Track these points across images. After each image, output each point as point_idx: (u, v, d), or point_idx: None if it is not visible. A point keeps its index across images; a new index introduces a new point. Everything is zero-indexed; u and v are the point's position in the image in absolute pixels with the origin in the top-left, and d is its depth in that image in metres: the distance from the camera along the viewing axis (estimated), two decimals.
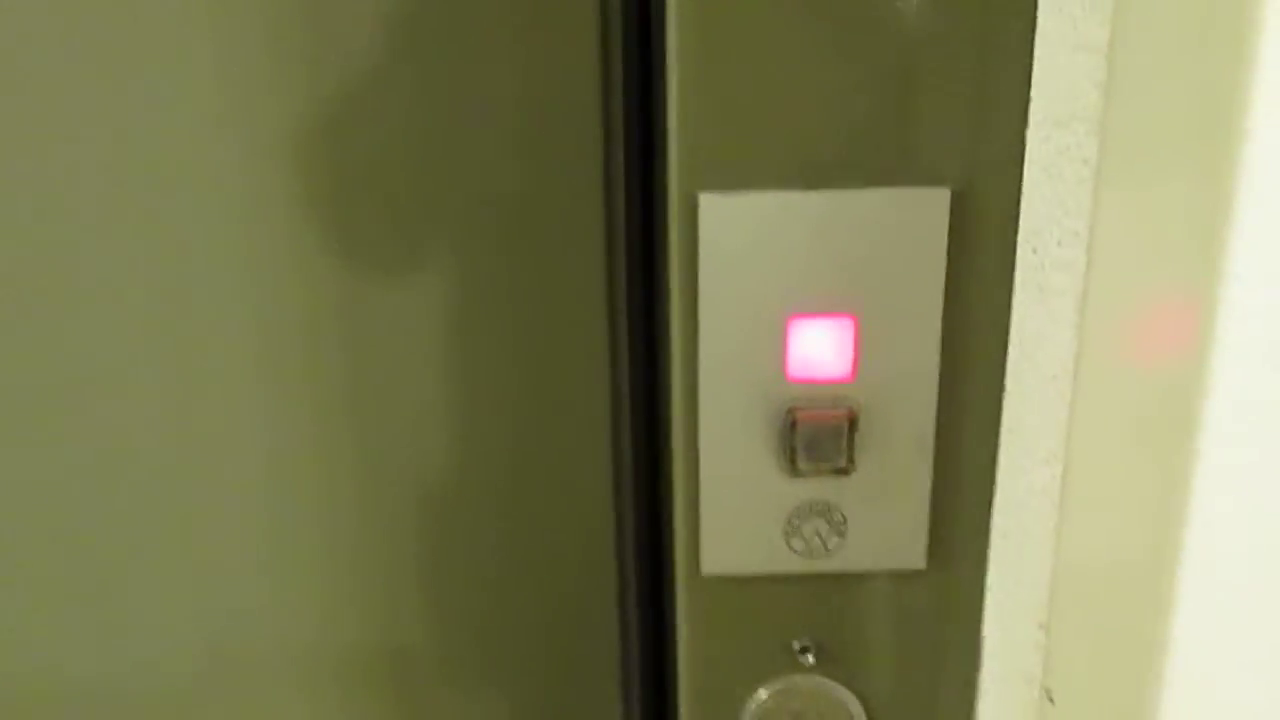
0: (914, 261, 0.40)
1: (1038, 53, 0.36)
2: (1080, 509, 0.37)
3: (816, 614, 0.45)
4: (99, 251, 0.44)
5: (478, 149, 0.43)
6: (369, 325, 0.46)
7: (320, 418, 0.47)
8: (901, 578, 0.44)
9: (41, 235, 0.44)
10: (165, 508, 0.48)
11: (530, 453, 0.48)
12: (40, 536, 0.48)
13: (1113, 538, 0.35)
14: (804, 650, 0.45)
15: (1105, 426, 0.36)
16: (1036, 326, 0.39)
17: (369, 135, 0.43)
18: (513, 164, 0.44)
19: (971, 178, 0.40)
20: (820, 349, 0.41)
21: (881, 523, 0.43)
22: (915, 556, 0.44)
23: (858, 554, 0.44)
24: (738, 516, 0.43)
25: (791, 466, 0.42)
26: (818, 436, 0.42)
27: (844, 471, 0.42)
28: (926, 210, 0.40)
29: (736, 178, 0.40)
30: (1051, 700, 0.39)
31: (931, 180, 0.40)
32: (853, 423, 0.42)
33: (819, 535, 0.43)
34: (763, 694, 0.46)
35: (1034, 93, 0.37)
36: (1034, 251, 0.39)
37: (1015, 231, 0.39)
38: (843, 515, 0.43)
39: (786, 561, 0.44)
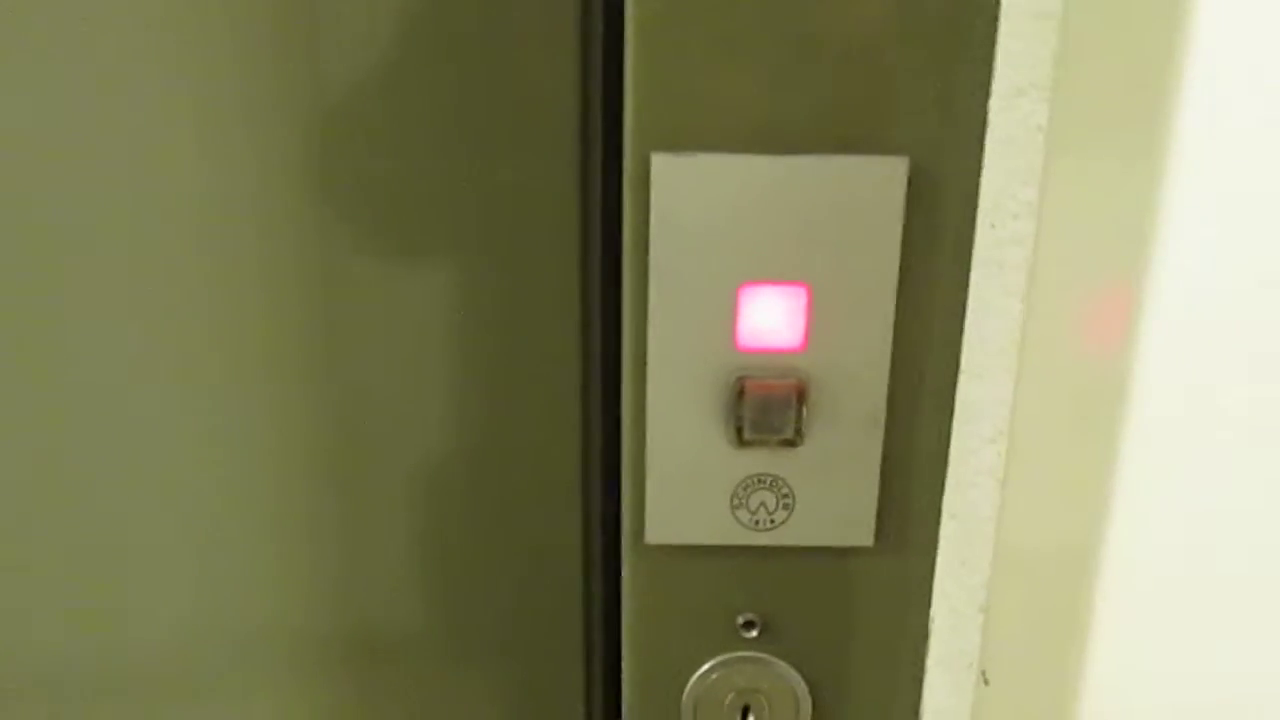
0: (870, 231, 0.40)
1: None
2: (1021, 490, 0.36)
3: (762, 589, 0.44)
4: (100, 244, 0.44)
5: (457, 128, 0.43)
6: (346, 307, 0.45)
7: (295, 400, 0.46)
8: (848, 555, 0.43)
9: (56, 225, 0.44)
10: (161, 495, 0.48)
11: (503, 429, 0.47)
12: (41, 519, 0.48)
13: (1049, 520, 0.35)
14: (748, 625, 0.44)
15: (1047, 406, 0.35)
16: (989, 300, 0.38)
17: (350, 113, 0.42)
18: (489, 139, 0.43)
19: (931, 147, 0.39)
20: (771, 318, 0.40)
21: (829, 498, 0.42)
22: (863, 533, 0.43)
23: (804, 529, 0.43)
24: (684, 486, 0.42)
25: (739, 437, 0.41)
26: (766, 407, 0.41)
27: (792, 444, 0.41)
28: (884, 179, 0.39)
29: (691, 139, 0.39)
30: (986, 682, 0.39)
31: (890, 148, 0.39)
32: (802, 394, 0.41)
33: (765, 508, 0.43)
34: (707, 667, 0.45)
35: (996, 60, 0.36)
36: (991, 226, 0.38)
37: (975, 203, 0.38)
38: (790, 489, 0.42)
39: (732, 533, 0.43)
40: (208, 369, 0.46)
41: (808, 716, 0.46)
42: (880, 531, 0.43)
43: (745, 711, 0.46)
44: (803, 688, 0.46)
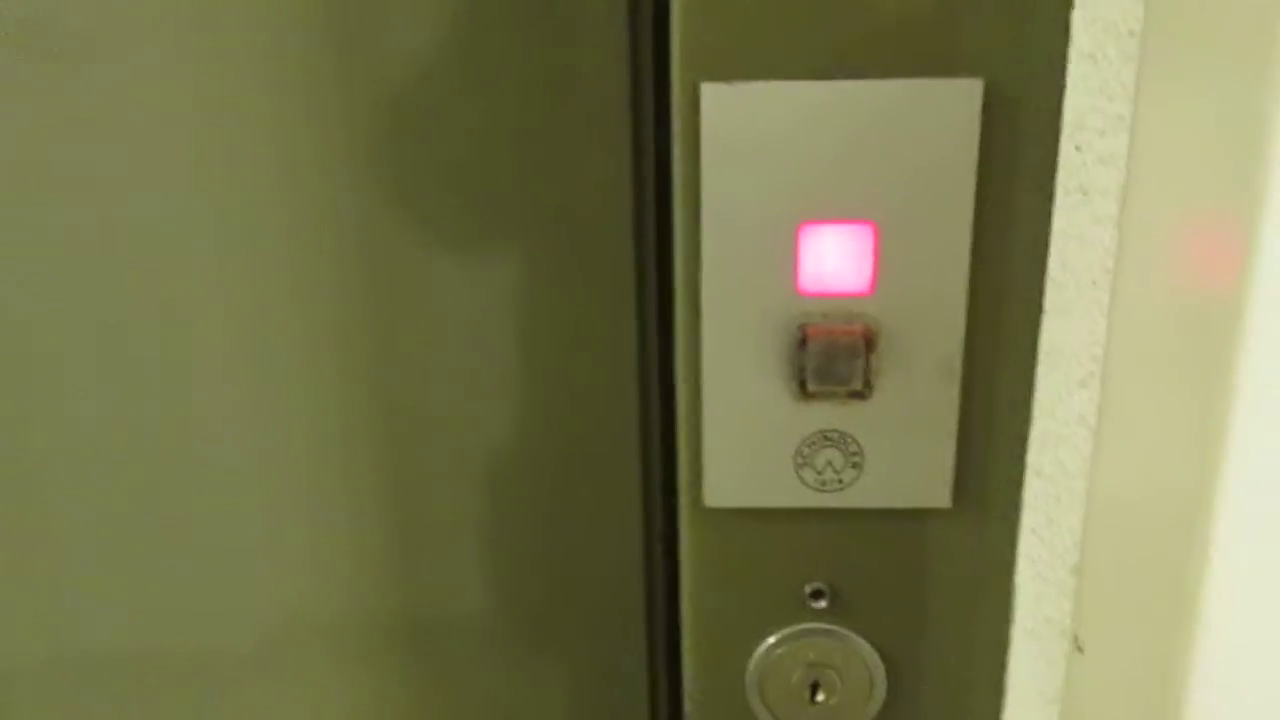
0: (942, 162, 0.36)
1: None
2: (1116, 439, 0.33)
3: (830, 555, 0.41)
4: (168, 240, 0.43)
5: (506, 89, 0.41)
6: (398, 283, 0.43)
7: (350, 383, 0.45)
8: (924, 517, 0.40)
9: (108, 214, 0.43)
10: (219, 483, 0.47)
11: (557, 401, 0.45)
12: (98, 506, 0.47)
13: (1148, 471, 0.31)
14: (816, 595, 0.42)
15: (1144, 345, 0.32)
16: (1079, 231, 0.34)
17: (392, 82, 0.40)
18: (539, 94, 0.41)
19: (1008, 67, 0.35)
20: (835, 259, 0.37)
21: (902, 455, 0.39)
22: (939, 494, 0.40)
23: (875, 490, 0.40)
24: (743, 444, 0.40)
25: (801, 389, 0.38)
26: (831, 356, 0.38)
27: (860, 396, 0.38)
28: (957, 103, 0.36)
29: (744, 66, 0.36)
30: (1080, 649, 0.35)
31: (963, 70, 0.35)
32: (870, 342, 0.38)
33: (832, 467, 0.40)
34: (772, 640, 0.42)
35: None
36: (1077, 149, 0.35)
37: (1058, 125, 0.35)
38: (859, 446, 0.39)
39: (797, 495, 0.40)
40: (271, 358, 0.45)
41: (882, 693, 0.43)
42: (958, 491, 0.40)
43: (815, 688, 0.43)
44: (876, 662, 0.42)
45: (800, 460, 0.40)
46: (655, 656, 0.49)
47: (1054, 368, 0.37)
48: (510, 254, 0.42)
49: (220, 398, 0.45)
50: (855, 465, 0.39)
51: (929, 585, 0.41)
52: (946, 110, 0.36)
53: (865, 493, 0.40)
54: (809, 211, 0.37)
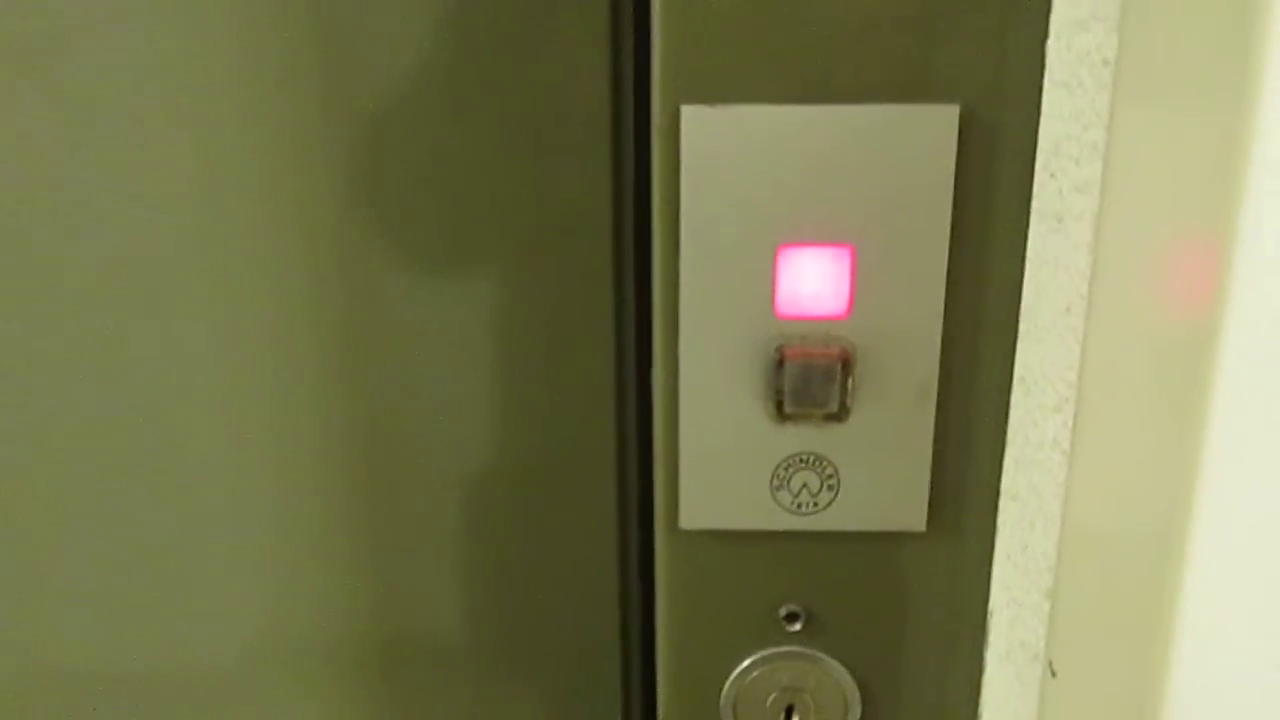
0: (919, 186, 0.37)
1: None
2: (1090, 463, 0.33)
3: (806, 578, 0.41)
4: (137, 255, 0.43)
5: (486, 106, 0.41)
6: (379, 303, 0.43)
7: (330, 405, 0.45)
8: (899, 540, 0.40)
9: (85, 228, 0.42)
10: (199, 505, 0.46)
11: (536, 423, 0.45)
12: (66, 521, 0.47)
13: (1123, 496, 0.31)
14: (791, 617, 0.41)
15: (1119, 371, 0.32)
16: (1053, 256, 0.35)
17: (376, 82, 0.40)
18: (519, 113, 0.41)
19: (984, 93, 0.36)
20: (813, 281, 0.38)
21: (878, 478, 0.39)
22: (914, 517, 0.40)
23: (851, 512, 0.40)
24: (720, 466, 0.40)
25: (779, 411, 0.38)
26: (808, 378, 0.38)
27: (836, 418, 0.38)
28: (933, 129, 0.36)
29: (724, 89, 0.36)
30: (1054, 674, 0.35)
31: (939, 96, 0.36)
32: (846, 364, 0.38)
33: (808, 489, 0.40)
34: (746, 663, 0.42)
35: None
36: (1052, 176, 0.35)
37: (1033, 154, 0.35)
38: (835, 468, 0.39)
39: (772, 518, 0.40)
40: (250, 378, 0.44)
41: (856, 717, 0.43)
42: (934, 514, 0.40)
43: (789, 712, 0.43)
44: (851, 686, 0.42)
45: (777, 482, 0.40)
46: (630, 679, 0.49)
47: (1028, 393, 0.37)
48: (489, 273, 0.42)
49: (192, 412, 0.45)
50: (831, 488, 0.39)
51: (904, 608, 0.41)
52: (923, 136, 0.36)
53: (841, 515, 0.40)
54: (787, 234, 0.37)
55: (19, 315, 0.44)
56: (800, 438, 0.39)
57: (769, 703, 0.43)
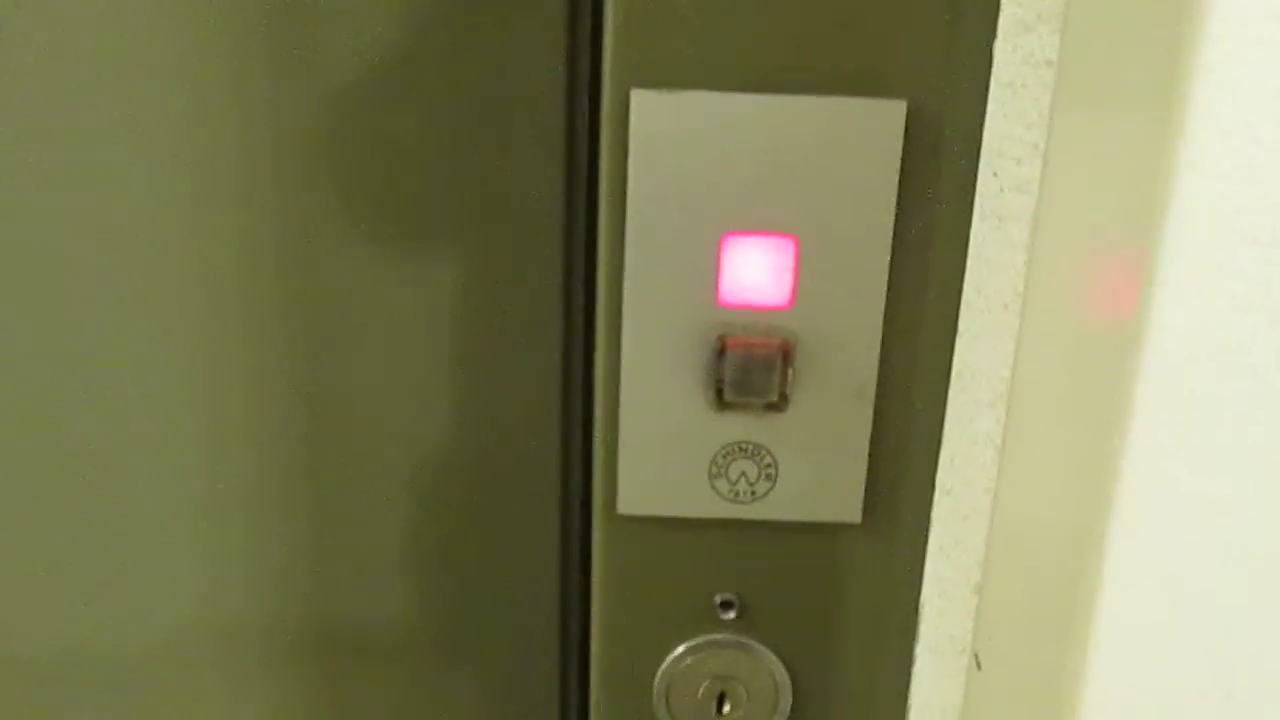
0: (864, 180, 0.37)
1: None
2: (1019, 460, 0.34)
3: (741, 566, 0.41)
4: (90, 240, 0.42)
5: (438, 86, 0.40)
6: (322, 292, 0.42)
7: (273, 393, 0.44)
8: (834, 531, 0.41)
9: (40, 222, 0.42)
10: (140, 489, 0.45)
11: (480, 408, 0.45)
12: (19, 516, 0.46)
13: (1047, 493, 0.32)
14: (725, 605, 0.42)
15: (1048, 369, 0.32)
16: (992, 254, 0.35)
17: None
18: (472, 95, 0.41)
19: (931, 90, 0.36)
20: (756, 271, 0.38)
21: (815, 469, 0.40)
22: (850, 509, 0.40)
23: (788, 502, 0.40)
24: (659, 451, 0.40)
25: (718, 399, 0.39)
26: (748, 367, 0.38)
27: (776, 408, 0.39)
28: (880, 123, 0.36)
29: (675, 75, 0.36)
30: (979, 666, 0.36)
31: (887, 91, 0.36)
32: (787, 355, 0.38)
33: (746, 478, 0.40)
34: (680, 650, 0.42)
35: None
36: (994, 175, 0.35)
37: (977, 151, 0.36)
38: (773, 458, 0.40)
39: (710, 505, 0.40)
40: (184, 359, 0.43)
41: (787, 706, 0.43)
42: (869, 507, 0.40)
43: (720, 700, 0.43)
44: (783, 675, 0.43)
45: (715, 470, 0.40)
46: (568, 666, 0.49)
47: (965, 388, 0.38)
48: (436, 255, 0.42)
49: (122, 390, 0.44)
50: (769, 477, 0.40)
51: (837, 599, 0.41)
52: (870, 130, 0.36)
53: (777, 505, 0.40)
54: (733, 222, 0.37)
55: None
56: (739, 426, 0.39)
57: (701, 691, 0.43)
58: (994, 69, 0.35)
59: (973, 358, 0.37)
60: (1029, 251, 0.33)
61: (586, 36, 0.41)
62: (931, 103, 0.36)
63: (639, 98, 0.36)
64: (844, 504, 0.40)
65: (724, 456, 0.40)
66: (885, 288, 0.38)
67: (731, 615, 0.42)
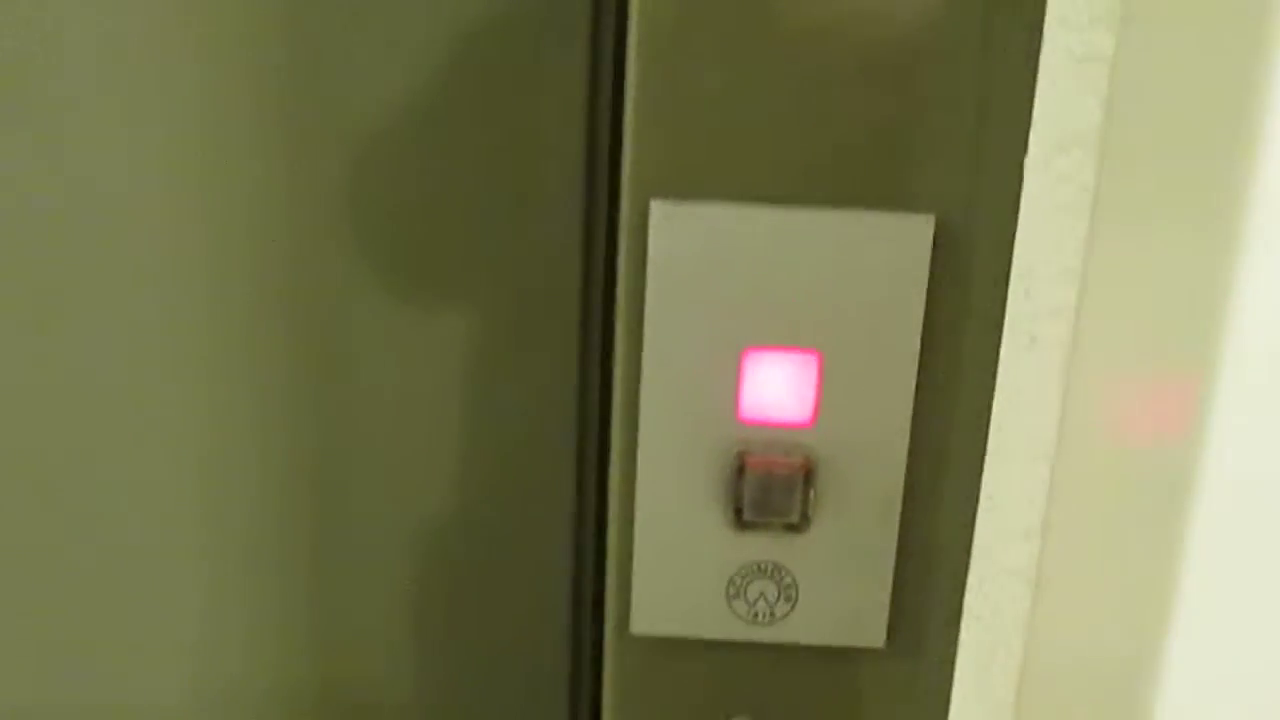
0: (890, 295, 0.36)
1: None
2: (1056, 596, 0.32)
3: (759, 690, 0.39)
4: (96, 269, 0.42)
5: (462, 172, 0.40)
6: (338, 366, 0.42)
7: (277, 459, 0.43)
8: (857, 656, 0.39)
9: (52, 233, 0.41)
10: (137, 549, 0.45)
11: (495, 498, 0.44)
12: (14, 564, 0.45)
13: (1089, 633, 0.30)
14: None
15: (1089, 501, 0.31)
16: (1024, 379, 0.34)
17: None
18: (493, 188, 0.40)
19: (961, 204, 0.35)
20: (778, 387, 0.37)
21: (837, 592, 0.38)
22: (873, 634, 0.38)
23: (808, 625, 0.38)
24: (675, 570, 0.38)
25: (738, 519, 0.37)
26: (769, 486, 0.37)
27: (797, 529, 0.37)
28: (907, 238, 0.35)
29: (696, 186, 0.35)
30: None
31: (915, 205, 0.35)
32: (809, 474, 0.37)
33: (765, 599, 0.38)
34: None
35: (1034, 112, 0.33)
36: (1026, 294, 0.34)
37: (1008, 268, 0.35)
38: (793, 579, 0.38)
39: (727, 627, 0.39)
40: (187, 417, 0.43)
41: None
42: (893, 632, 0.38)
43: None
44: None
45: (733, 591, 0.38)
46: None
47: (995, 512, 0.36)
48: (455, 363, 0.41)
49: (124, 440, 0.43)
50: (789, 599, 0.38)
51: None
52: (897, 244, 0.35)
53: (797, 628, 0.38)
54: (754, 337, 0.36)
55: None
56: (759, 546, 0.38)
57: None
58: (1027, 188, 0.34)
59: (1004, 482, 0.35)
60: (1064, 376, 0.32)
61: (605, 142, 0.40)
62: (961, 218, 0.35)
63: (659, 208, 0.35)
64: (867, 628, 0.38)
65: (742, 577, 0.38)
66: (911, 406, 0.36)
67: None
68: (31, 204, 0.41)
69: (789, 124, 0.35)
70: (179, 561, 0.45)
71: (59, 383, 0.43)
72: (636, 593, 0.39)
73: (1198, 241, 0.28)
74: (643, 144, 0.35)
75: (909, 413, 0.36)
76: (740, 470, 0.37)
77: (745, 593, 0.38)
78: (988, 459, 0.35)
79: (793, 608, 0.38)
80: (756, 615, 0.38)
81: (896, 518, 0.37)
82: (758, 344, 0.36)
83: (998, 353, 0.35)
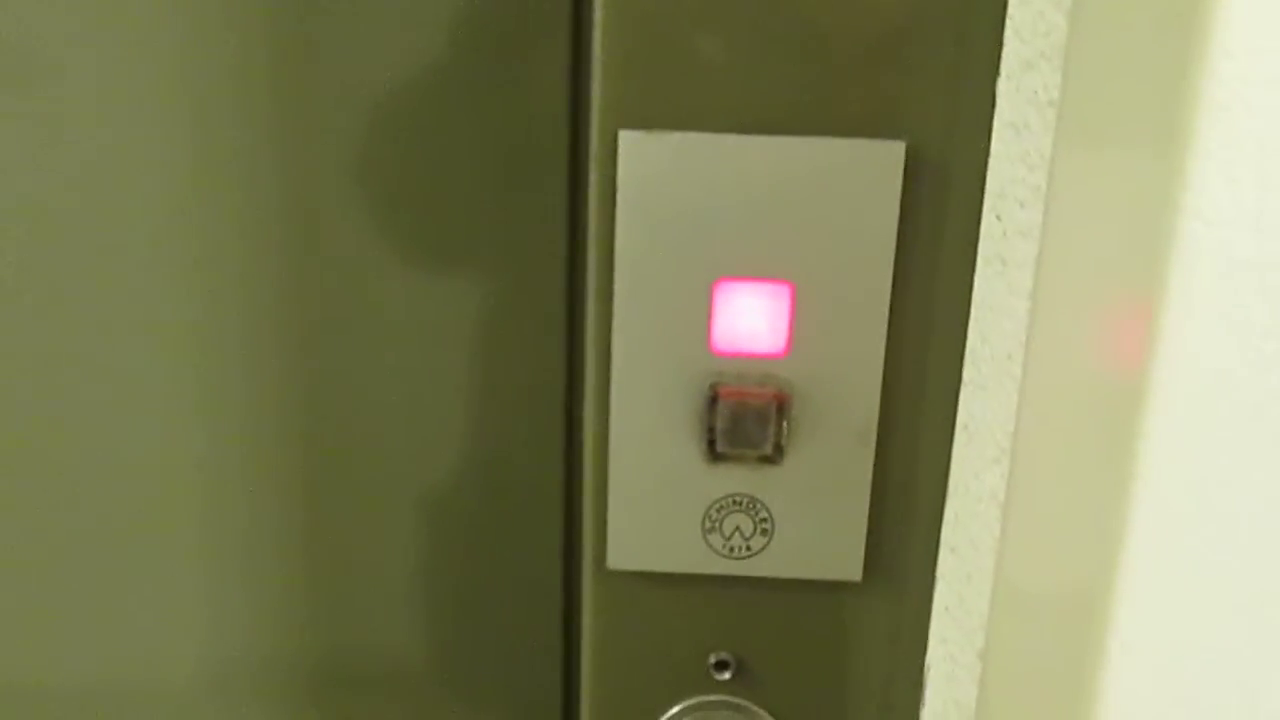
0: (862, 224, 0.35)
1: None
2: (1023, 519, 0.32)
3: (737, 625, 0.39)
4: (91, 248, 0.41)
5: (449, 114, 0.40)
6: (330, 323, 0.42)
7: (272, 422, 0.43)
8: (834, 590, 0.39)
9: (62, 206, 0.41)
10: (139, 518, 0.45)
11: (485, 449, 0.43)
12: (18, 540, 0.45)
13: (1055, 553, 0.30)
14: (720, 665, 0.40)
15: (1052, 422, 0.31)
16: (996, 302, 0.33)
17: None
18: (478, 138, 0.40)
19: (932, 130, 0.34)
20: (750, 318, 0.36)
21: (812, 524, 0.38)
22: (850, 566, 0.38)
23: (784, 558, 0.38)
24: (650, 505, 0.38)
25: (711, 451, 0.37)
26: (742, 417, 0.36)
27: (771, 460, 0.37)
28: (879, 165, 0.35)
29: (666, 116, 0.35)
30: None
31: (886, 131, 0.35)
32: (782, 405, 0.36)
33: (741, 533, 0.38)
34: (674, 711, 0.41)
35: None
36: (997, 218, 0.34)
37: (981, 193, 0.34)
38: (768, 512, 0.38)
39: (703, 561, 0.38)
40: (194, 391, 0.43)
41: None
42: (870, 564, 0.38)
43: None
44: None
45: (708, 524, 0.38)
46: (571, 706, 0.47)
47: (970, 442, 0.36)
48: (442, 293, 0.41)
49: (122, 414, 0.43)
50: (764, 532, 0.38)
51: (838, 661, 0.40)
52: (868, 172, 0.35)
53: (774, 561, 0.38)
54: (726, 268, 0.36)
55: None
56: (734, 479, 0.38)
57: None
58: (999, 109, 0.33)
59: (978, 410, 0.35)
60: (1033, 298, 0.32)
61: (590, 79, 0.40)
62: (932, 143, 0.34)
63: (627, 139, 0.35)
64: (844, 561, 0.38)
65: (718, 510, 0.38)
66: (885, 335, 0.36)
67: (727, 676, 0.40)
68: (36, 173, 0.41)
69: (757, 51, 0.34)
70: (180, 537, 0.45)
71: (62, 352, 0.43)
72: (612, 528, 0.38)
73: (1154, 162, 0.27)
74: (610, 73, 0.35)
75: (883, 342, 0.36)
76: (713, 402, 0.36)
77: (721, 526, 0.38)
78: (964, 385, 0.34)
79: (769, 541, 0.38)
80: (732, 549, 0.38)
81: (872, 449, 0.37)
82: (729, 275, 0.36)
83: (972, 279, 0.35)
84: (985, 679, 0.34)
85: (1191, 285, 0.25)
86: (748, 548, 0.38)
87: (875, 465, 0.37)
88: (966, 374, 0.35)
